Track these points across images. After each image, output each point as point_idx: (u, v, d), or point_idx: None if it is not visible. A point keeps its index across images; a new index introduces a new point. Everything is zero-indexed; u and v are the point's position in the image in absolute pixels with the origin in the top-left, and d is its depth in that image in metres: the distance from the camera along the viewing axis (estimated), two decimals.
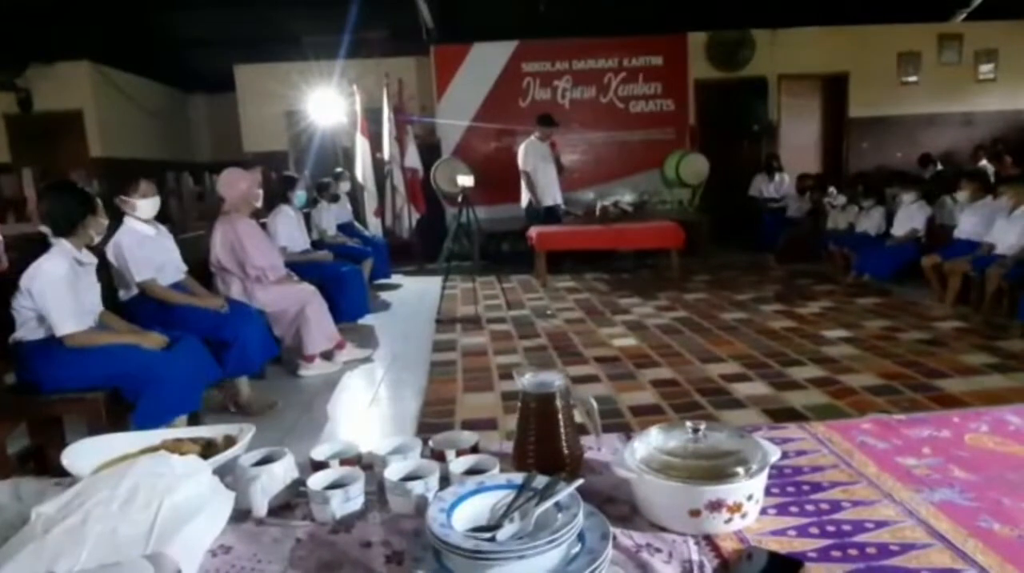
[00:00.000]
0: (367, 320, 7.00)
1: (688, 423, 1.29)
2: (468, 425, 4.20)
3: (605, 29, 11.21)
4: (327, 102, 11.14)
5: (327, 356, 5.57)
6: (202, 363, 4.02)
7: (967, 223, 7.01)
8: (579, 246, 9.34)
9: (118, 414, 3.57)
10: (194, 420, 3.92)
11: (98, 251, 4.04)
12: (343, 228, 8.75)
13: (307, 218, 7.75)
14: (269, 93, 11.29)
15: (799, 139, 12.55)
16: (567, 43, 11.38)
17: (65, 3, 9.17)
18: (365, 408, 4.76)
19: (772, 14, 11.35)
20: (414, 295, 8.60)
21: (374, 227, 10.22)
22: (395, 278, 9.59)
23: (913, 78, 12.25)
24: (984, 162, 10.78)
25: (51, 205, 3.68)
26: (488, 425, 4.20)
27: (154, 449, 1.42)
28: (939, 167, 11.17)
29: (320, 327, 5.44)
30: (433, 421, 4.30)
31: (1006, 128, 12.23)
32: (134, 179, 4.53)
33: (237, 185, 5.33)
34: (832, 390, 4.53)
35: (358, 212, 10.13)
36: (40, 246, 3.54)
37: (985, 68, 12.28)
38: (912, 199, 8.00)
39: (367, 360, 5.76)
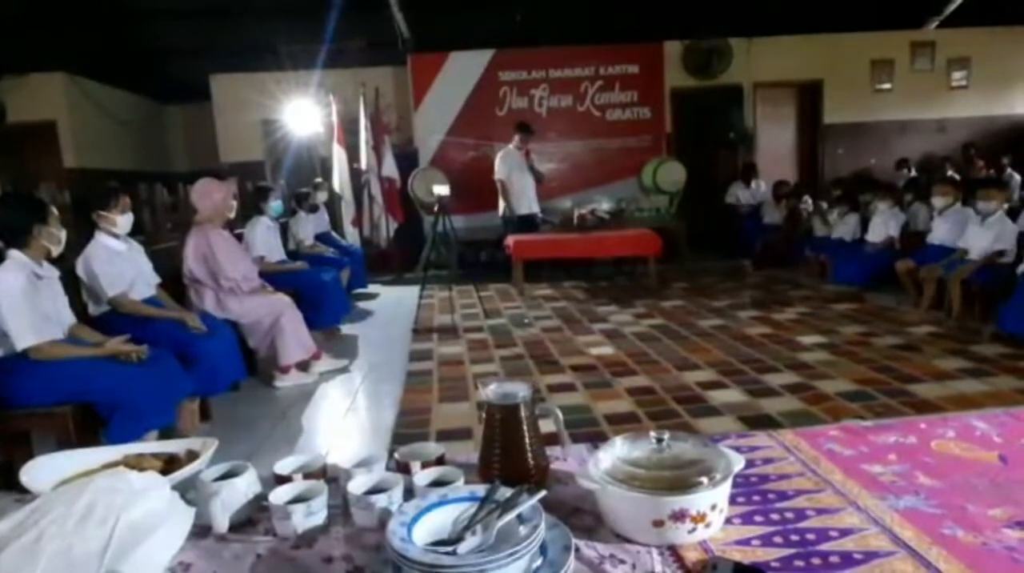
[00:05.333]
0: (344, 330, 6.97)
1: (652, 433, 1.28)
2: (443, 435, 4.19)
3: (581, 38, 11.28)
4: (304, 112, 11.10)
5: (303, 367, 5.53)
6: (175, 377, 3.98)
7: (940, 229, 7.08)
8: (557, 254, 9.36)
9: (87, 429, 3.52)
10: (167, 435, 3.85)
11: (67, 265, 3.98)
12: (320, 238, 8.74)
13: (284, 228, 7.72)
14: (245, 103, 11.22)
15: (775, 146, 12.64)
16: (544, 52, 11.42)
17: (39, 14, 9.10)
18: (340, 419, 4.72)
19: (747, 23, 11.46)
20: (391, 304, 8.56)
21: (351, 237, 10.20)
22: (372, 287, 9.56)
23: (887, 85, 12.36)
24: (951, 173, 10.85)
25: (0, 216, 3.62)
26: (463, 434, 4.17)
27: (115, 465, 1.40)
28: (912, 173, 11.27)
29: (295, 337, 5.40)
30: (408, 431, 4.27)
31: (978, 134, 12.34)
32: (115, 193, 4.41)
33: (211, 195, 5.29)
34: (807, 396, 4.54)
35: (335, 221, 10.10)
36: None
37: (958, 75, 12.40)
38: (887, 206, 8.06)
39: (343, 370, 5.73)
